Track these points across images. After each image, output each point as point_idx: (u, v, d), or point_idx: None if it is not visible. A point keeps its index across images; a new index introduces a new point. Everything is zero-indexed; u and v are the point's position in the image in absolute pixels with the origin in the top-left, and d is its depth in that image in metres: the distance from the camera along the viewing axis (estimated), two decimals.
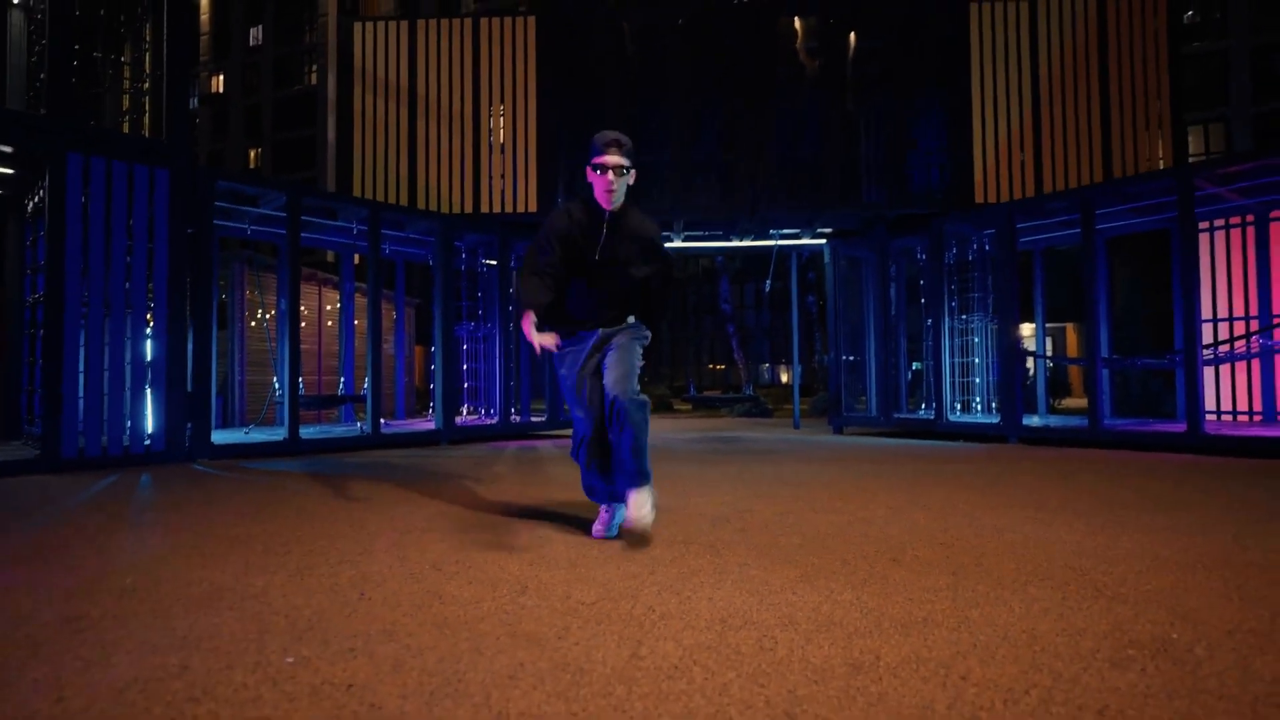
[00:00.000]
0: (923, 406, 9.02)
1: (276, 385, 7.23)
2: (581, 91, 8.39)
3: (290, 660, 1.52)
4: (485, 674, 1.44)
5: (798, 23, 8.53)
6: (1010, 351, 7.43)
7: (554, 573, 2.25)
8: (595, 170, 2.62)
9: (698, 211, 8.50)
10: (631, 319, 2.84)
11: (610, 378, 2.67)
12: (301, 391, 8.54)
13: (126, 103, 6.75)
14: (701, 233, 9.31)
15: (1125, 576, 2.18)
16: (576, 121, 8.37)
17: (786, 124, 8.58)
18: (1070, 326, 25.27)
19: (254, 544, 2.67)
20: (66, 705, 1.31)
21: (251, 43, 40.73)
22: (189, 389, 5.75)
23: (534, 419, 8.86)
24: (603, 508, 2.86)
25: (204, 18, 41.11)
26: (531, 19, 8.18)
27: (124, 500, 3.75)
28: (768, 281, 10.20)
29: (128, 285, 5.41)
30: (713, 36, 8.56)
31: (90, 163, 5.22)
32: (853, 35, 8.45)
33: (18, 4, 6.71)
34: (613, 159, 2.61)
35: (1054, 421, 8.13)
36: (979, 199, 8.14)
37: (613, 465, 2.72)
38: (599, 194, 2.65)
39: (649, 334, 2.90)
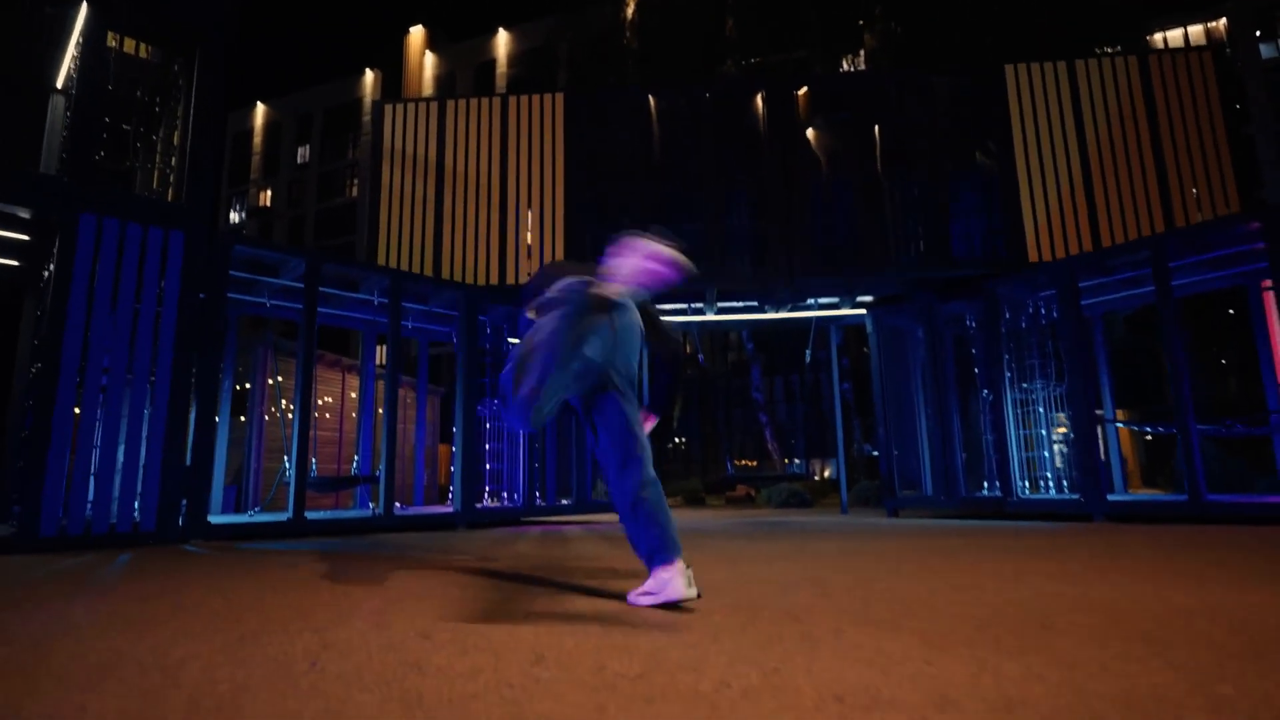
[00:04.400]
0: (984, 485, 8.20)
1: (287, 465, 6.76)
2: (608, 164, 8.29)
3: None
4: None
5: (822, 119, 8.46)
6: (1087, 419, 6.71)
7: (582, 640, 1.65)
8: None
9: (732, 281, 8.14)
10: None
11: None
12: (313, 473, 8.08)
13: (156, 179, 6.72)
14: (736, 304, 8.91)
15: None
16: (604, 193, 8.22)
17: (817, 194, 8.33)
18: (1120, 413, 24.02)
19: (200, 611, 2.10)
20: None
21: (299, 160, 43.29)
22: (187, 463, 5.29)
23: (562, 502, 8.21)
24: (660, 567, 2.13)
25: (256, 140, 44.05)
26: (560, 96, 8.20)
27: (83, 574, 3.21)
28: (808, 351, 9.66)
29: (130, 351, 5.09)
30: (737, 111, 8.50)
31: (103, 225, 5.03)
32: (878, 125, 8.33)
33: (60, 89, 6.86)
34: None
35: (1144, 498, 7.27)
36: (1033, 258, 7.66)
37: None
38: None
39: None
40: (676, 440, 32.73)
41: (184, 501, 5.22)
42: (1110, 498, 6.71)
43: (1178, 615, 1.88)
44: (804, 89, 8.53)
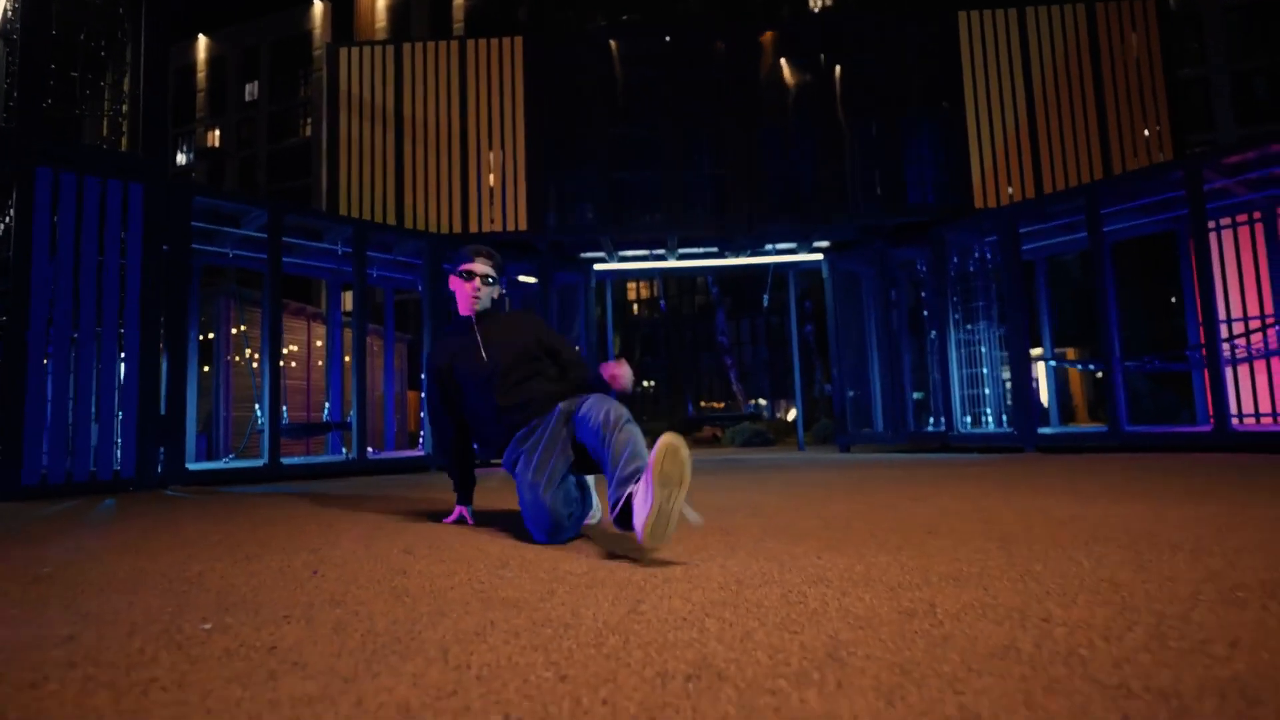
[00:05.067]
0: (931, 421, 8.73)
1: (258, 413, 6.94)
2: (570, 110, 8.31)
3: (207, 627, 1.23)
4: (446, 633, 1.15)
5: (784, 62, 8.52)
6: (1022, 358, 7.18)
7: (540, 551, 1.95)
8: (461, 276, 2.51)
9: (691, 229, 8.34)
10: (560, 404, 2.32)
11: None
12: (285, 420, 8.24)
13: (106, 127, 6.61)
14: (696, 250, 9.14)
15: (1201, 536, 1.89)
16: (565, 140, 8.28)
17: (777, 140, 8.50)
18: (1070, 351, 25.06)
19: (202, 540, 2.36)
20: None
21: (247, 98, 41.43)
22: (161, 412, 5.45)
23: None
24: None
25: (200, 75, 41.93)
26: (519, 39, 8.14)
27: (77, 515, 3.43)
28: (764, 295, 9.99)
29: (99, 306, 5.16)
30: (700, 55, 8.54)
31: (60, 178, 5.03)
32: (838, 68, 8.44)
33: None
34: (480, 267, 2.52)
35: (1071, 430, 7.85)
36: (978, 204, 7.99)
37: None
38: (462, 301, 2.52)
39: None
40: (645, 384, 33.22)
41: (161, 449, 5.40)
42: (1041, 431, 7.26)
43: (1044, 522, 2.26)
44: (767, 33, 8.58)
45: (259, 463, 6.13)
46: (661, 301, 28.89)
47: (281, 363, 10.21)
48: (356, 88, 8.09)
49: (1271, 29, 27.89)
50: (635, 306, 36.33)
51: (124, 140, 6.22)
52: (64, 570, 1.84)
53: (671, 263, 9.33)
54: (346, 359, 9.22)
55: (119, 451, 5.21)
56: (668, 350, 32.49)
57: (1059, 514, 2.44)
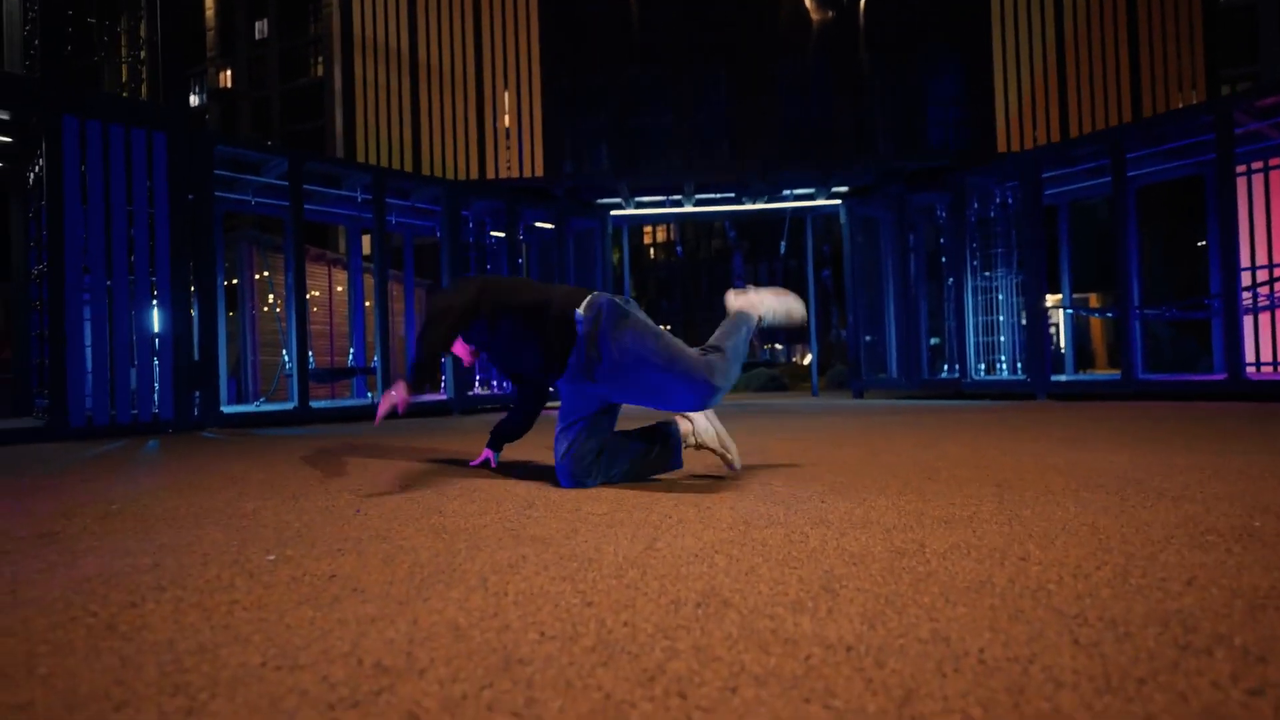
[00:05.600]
0: (945, 368, 8.78)
1: (286, 358, 7.15)
2: (585, 51, 8.18)
3: (271, 558, 1.38)
4: (483, 565, 1.30)
5: None
6: (1037, 306, 7.17)
7: (564, 494, 2.10)
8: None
9: (708, 175, 8.28)
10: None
11: None
12: (312, 365, 8.47)
13: (125, 73, 6.64)
14: (713, 196, 9.08)
15: (1187, 484, 1.99)
16: (581, 82, 8.17)
17: (796, 82, 8.32)
18: (1094, 297, 24.67)
19: (251, 480, 2.54)
20: (18, 595, 1.17)
21: (257, 36, 40.72)
22: (195, 358, 5.66)
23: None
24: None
25: (209, 13, 41.15)
26: None
27: (127, 455, 3.65)
28: (782, 243, 9.96)
29: (130, 254, 5.31)
30: None
31: (86, 127, 5.11)
32: (861, 3, 8.17)
33: None
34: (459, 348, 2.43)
35: (1084, 378, 7.88)
36: (1001, 149, 7.84)
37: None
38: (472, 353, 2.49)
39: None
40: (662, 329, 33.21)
41: (196, 393, 5.63)
42: (1055, 378, 7.30)
43: (1039, 469, 2.36)
44: None
45: (289, 406, 6.36)
46: (678, 247, 28.67)
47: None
48: (370, 30, 8.00)
49: None
50: (652, 251, 36.10)
51: (144, 88, 6.26)
52: (130, 506, 2.02)
53: (688, 208, 9.29)
54: (368, 304, 9.37)
55: (157, 395, 5.44)
56: (684, 294, 32.43)
57: (1056, 461, 2.54)
